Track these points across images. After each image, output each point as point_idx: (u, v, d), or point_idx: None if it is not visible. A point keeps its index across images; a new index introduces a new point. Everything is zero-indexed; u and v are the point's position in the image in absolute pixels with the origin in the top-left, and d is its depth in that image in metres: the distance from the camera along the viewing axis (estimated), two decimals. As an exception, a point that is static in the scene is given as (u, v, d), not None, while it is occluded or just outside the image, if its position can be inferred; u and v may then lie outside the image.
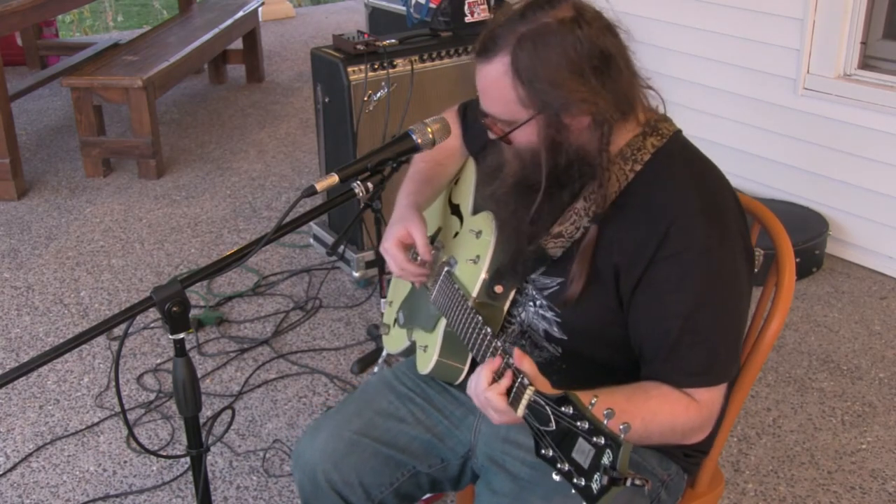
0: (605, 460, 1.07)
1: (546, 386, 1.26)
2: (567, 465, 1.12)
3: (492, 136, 1.46)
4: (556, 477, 1.14)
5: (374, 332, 3.12)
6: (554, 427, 1.16)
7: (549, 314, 1.50)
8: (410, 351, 1.80)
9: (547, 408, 1.17)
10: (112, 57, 4.67)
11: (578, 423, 1.12)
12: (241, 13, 5.58)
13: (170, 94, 5.53)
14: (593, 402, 1.13)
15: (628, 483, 1.06)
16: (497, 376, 1.29)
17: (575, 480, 1.11)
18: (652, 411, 1.36)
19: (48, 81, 5.35)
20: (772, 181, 3.83)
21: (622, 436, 1.07)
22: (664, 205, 1.38)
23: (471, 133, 1.78)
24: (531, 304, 1.53)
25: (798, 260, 3.33)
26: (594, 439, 1.09)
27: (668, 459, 1.58)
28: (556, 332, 1.51)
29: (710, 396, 1.41)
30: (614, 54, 1.36)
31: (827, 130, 3.57)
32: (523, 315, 1.55)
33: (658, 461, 1.57)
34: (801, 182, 3.72)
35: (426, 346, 1.67)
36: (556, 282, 1.49)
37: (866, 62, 3.51)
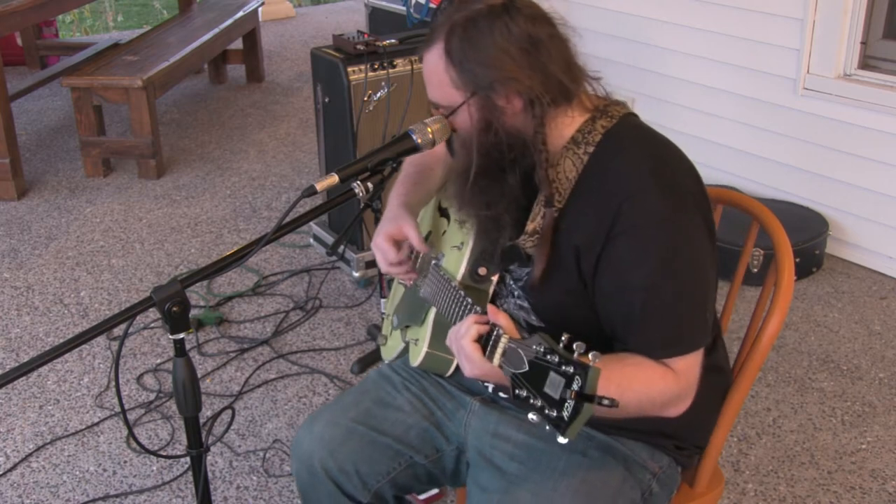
0: (575, 386, 1.09)
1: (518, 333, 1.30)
2: (540, 401, 1.14)
3: None
4: (531, 416, 1.16)
5: (374, 332, 3.12)
6: (527, 368, 1.18)
7: (525, 304, 1.54)
8: (405, 354, 1.82)
9: (519, 350, 1.20)
10: (112, 57, 4.68)
11: (548, 357, 1.14)
12: (241, 13, 5.59)
13: (170, 94, 5.53)
14: (564, 339, 1.16)
15: (596, 402, 1.08)
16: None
17: (547, 412, 1.13)
18: (627, 378, 1.37)
19: (48, 81, 5.35)
20: (772, 181, 3.83)
21: (594, 362, 1.09)
22: (617, 182, 1.40)
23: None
24: (511, 295, 1.56)
25: (798, 260, 3.34)
26: (563, 368, 1.11)
27: (659, 452, 1.58)
28: (534, 320, 1.54)
29: (686, 364, 1.42)
30: (543, 40, 1.41)
31: (827, 130, 3.57)
32: (505, 307, 1.58)
33: (649, 454, 1.57)
34: (801, 182, 3.72)
35: (417, 340, 1.69)
36: (526, 272, 1.52)
37: (866, 62, 3.52)
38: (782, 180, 3.79)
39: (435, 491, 2.28)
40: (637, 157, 1.43)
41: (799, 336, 3.14)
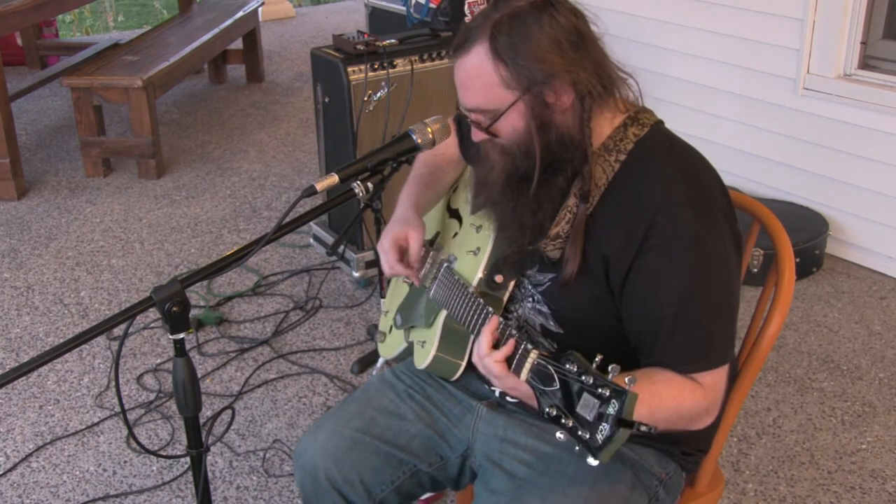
0: (611, 410, 1.07)
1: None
2: (571, 421, 1.12)
3: (476, 135, 1.46)
4: (559, 435, 1.14)
5: (374, 332, 3.12)
6: (558, 386, 1.16)
7: (544, 309, 1.52)
8: (407, 353, 1.81)
9: (550, 367, 1.18)
10: (112, 57, 4.68)
11: (583, 378, 1.12)
12: (241, 13, 5.58)
13: (170, 94, 5.53)
14: (598, 360, 1.14)
15: (635, 429, 1.06)
16: (499, 343, 1.32)
17: (580, 433, 1.11)
18: (657, 396, 1.36)
19: (48, 81, 5.35)
20: (772, 181, 3.83)
21: (630, 386, 1.07)
22: (649, 194, 1.39)
23: (467, 141, 1.79)
24: (529, 299, 1.54)
25: (798, 260, 3.34)
26: (599, 391, 1.09)
27: (666, 458, 1.58)
28: (552, 325, 1.52)
29: (713, 379, 1.41)
30: (587, 33, 1.39)
31: (827, 130, 3.57)
32: (520, 311, 1.56)
33: (656, 460, 1.57)
34: (801, 182, 3.72)
35: (424, 342, 1.68)
36: (548, 277, 1.50)
37: (866, 62, 3.52)
38: (782, 180, 3.79)
39: (433, 492, 2.28)
40: (670, 170, 1.42)
41: (799, 336, 3.13)
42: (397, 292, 1.93)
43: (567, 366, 1.15)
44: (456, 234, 1.75)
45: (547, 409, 1.16)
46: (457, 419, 1.68)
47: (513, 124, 1.40)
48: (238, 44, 5.83)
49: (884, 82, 3.41)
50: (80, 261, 3.68)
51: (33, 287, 3.48)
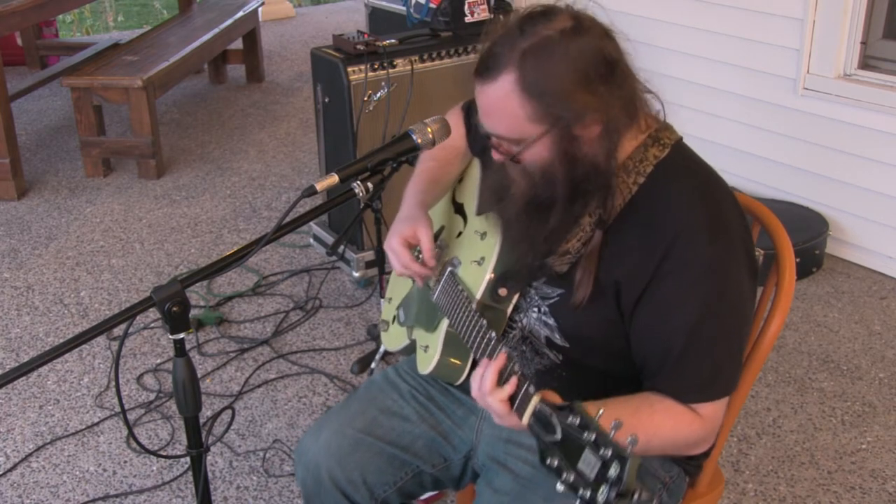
0: (612, 473, 1.06)
1: (551, 395, 1.25)
2: (573, 476, 1.11)
3: (497, 156, 1.43)
4: (560, 487, 1.12)
5: (374, 332, 3.12)
6: (559, 437, 1.15)
7: (551, 321, 1.50)
8: (409, 349, 1.81)
9: (553, 417, 1.16)
10: (112, 57, 4.67)
11: (585, 435, 1.10)
12: (241, 13, 5.58)
13: (170, 94, 5.53)
14: (600, 412, 1.12)
15: (635, 498, 1.05)
16: (502, 380, 1.29)
17: (581, 492, 1.10)
18: (656, 425, 1.36)
19: (48, 81, 5.35)
20: (772, 181, 3.83)
21: (630, 448, 1.06)
22: (668, 219, 1.37)
23: (474, 133, 1.77)
24: (535, 309, 1.52)
25: (798, 260, 3.33)
26: (601, 451, 1.08)
27: (670, 462, 1.58)
28: (557, 338, 1.50)
29: (714, 410, 1.41)
30: (617, 59, 1.35)
31: (827, 130, 3.57)
32: (525, 321, 1.55)
33: (660, 463, 1.57)
34: (801, 182, 3.72)
35: (427, 346, 1.67)
36: (556, 292, 1.48)
37: (866, 62, 3.51)
38: (782, 180, 3.79)
39: (434, 491, 2.28)
40: (689, 195, 1.39)
41: (799, 336, 3.13)
42: (401, 280, 1.92)
43: (570, 418, 1.13)
44: (460, 233, 1.73)
45: (549, 461, 1.15)
46: (460, 420, 1.67)
47: (538, 154, 1.37)
48: (238, 44, 5.82)
49: (884, 82, 3.41)
50: (80, 261, 3.68)
51: (33, 287, 3.48)
